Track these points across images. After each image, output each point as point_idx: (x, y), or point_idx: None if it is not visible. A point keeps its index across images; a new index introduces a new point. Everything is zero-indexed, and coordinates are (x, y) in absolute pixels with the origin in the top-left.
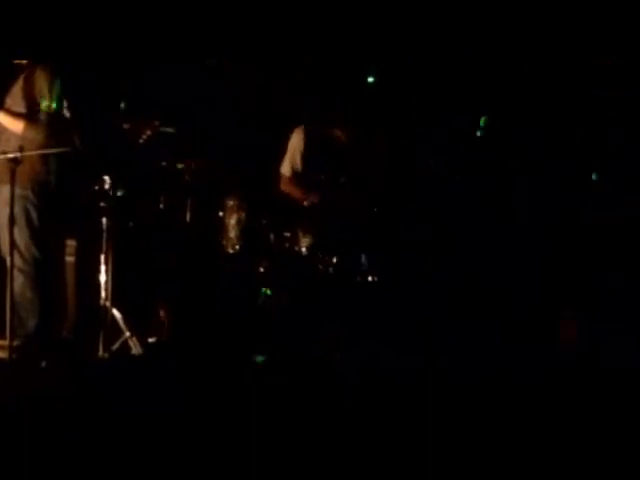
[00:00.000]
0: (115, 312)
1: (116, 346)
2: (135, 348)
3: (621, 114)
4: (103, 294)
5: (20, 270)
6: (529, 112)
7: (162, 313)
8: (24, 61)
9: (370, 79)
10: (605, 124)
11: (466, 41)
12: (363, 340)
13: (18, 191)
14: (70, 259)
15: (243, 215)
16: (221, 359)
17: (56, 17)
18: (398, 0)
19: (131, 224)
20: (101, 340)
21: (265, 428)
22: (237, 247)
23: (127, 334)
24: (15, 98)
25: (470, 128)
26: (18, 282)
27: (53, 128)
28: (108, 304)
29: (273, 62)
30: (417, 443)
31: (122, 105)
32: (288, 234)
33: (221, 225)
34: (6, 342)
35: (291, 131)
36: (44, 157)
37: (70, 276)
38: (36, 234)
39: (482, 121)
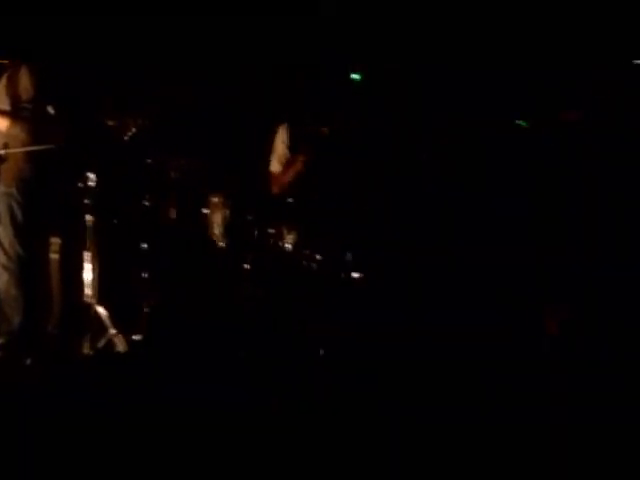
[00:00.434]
0: (100, 309)
1: (101, 344)
2: (120, 346)
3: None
4: (88, 292)
5: (4, 268)
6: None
7: (147, 310)
8: (7, 60)
9: (354, 76)
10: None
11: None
12: (347, 336)
13: (2, 189)
14: (55, 256)
15: (228, 212)
16: (207, 356)
17: (38, 15)
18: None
19: (116, 221)
20: (86, 338)
21: (252, 423)
22: (222, 244)
23: (112, 332)
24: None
25: (456, 125)
26: (3, 280)
27: (37, 125)
28: (93, 301)
29: (257, 60)
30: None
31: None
32: (273, 231)
33: (206, 222)
34: None
35: (275, 129)
36: (28, 155)
37: (55, 274)
38: (20, 232)
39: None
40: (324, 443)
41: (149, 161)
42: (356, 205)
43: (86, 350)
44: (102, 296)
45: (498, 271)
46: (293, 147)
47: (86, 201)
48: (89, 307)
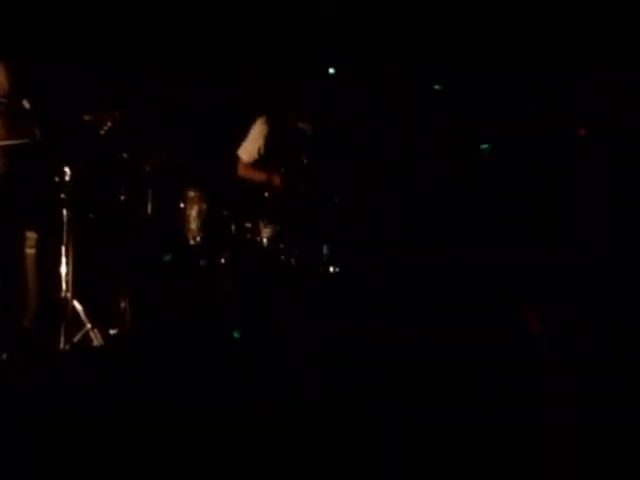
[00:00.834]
0: (76, 304)
1: (77, 338)
2: (96, 340)
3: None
4: (64, 286)
5: None
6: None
7: (123, 305)
8: None
9: (331, 70)
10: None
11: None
12: (325, 331)
13: None
14: (30, 251)
15: (204, 206)
16: (183, 350)
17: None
18: None
19: (92, 216)
20: (62, 332)
21: (230, 417)
22: (198, 238)
23: (88, 326)
24: None
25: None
26: None
27: (12, 120)
28: (69, 296)
29: (236, 53)
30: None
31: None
32: (249, 225)
33: (182, 216)
34: None
35: (254, 119)
36: (3, 149)
37: (31, 268)
38: None
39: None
40: (315, 441)
41: (125, 155)
42: (341, 201)
43: (62, 345)
44: (78, 291)
45: (490, 270)
46: (269, 142)
47: (62, 196)
48: (65, 301)
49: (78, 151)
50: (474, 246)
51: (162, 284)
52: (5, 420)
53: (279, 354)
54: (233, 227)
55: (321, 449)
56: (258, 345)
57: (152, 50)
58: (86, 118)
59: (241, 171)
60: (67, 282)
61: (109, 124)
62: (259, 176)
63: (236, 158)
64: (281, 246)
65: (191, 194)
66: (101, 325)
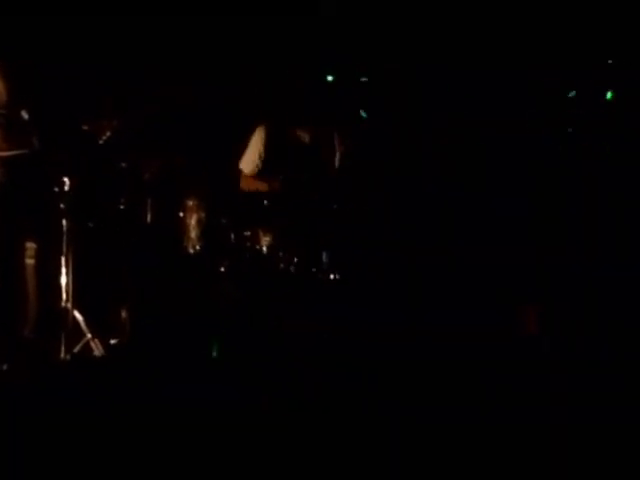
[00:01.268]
0: (76, 314)
1: (78, 348)
2: (97, 350)
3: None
4: (64, 296)
5: None
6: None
7: (124, 314)
8: None
9: (329, 77)
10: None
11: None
12: (325, 331)
13: None
14: (30, 262)
15: (203, 215)
16: (183, 359)
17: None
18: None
19: (91, 225)
20: (62, 342)
21: (230, 417)
22: (198, 247)
23: (89, 336)
24: None
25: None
26: None
27: (11, 130)
28: (69, 306)
29: (235, 61)
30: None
31: None
32: (248, 233)
33: (181, 225)
34: None
35: (253, 128)
36: (2, 160)
37: (30, 279)
38: None
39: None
40: (315, 441)
41: (124, 165)
42: (341, 207)
43: (62, 355)
44: (78, 300)
45: (490, 270)
46: (268, 150)
47: (61, 205)
48: (65, 311)
49: (77, 161)
50: (474, 246)
51: (162, 293)
52: (6, 429)
53: (279, 354)
54: (232, 236)
55: (321, 449)
56: (258, 345)
57: (152, 50)
58: (85, 127)
59: (243, 184)
60: (67, 292)
61: (108, 133)
62: (262, 187)
63: (237, 170)
64: (280, 254)
65: (190, 203)
66: (102, 335)
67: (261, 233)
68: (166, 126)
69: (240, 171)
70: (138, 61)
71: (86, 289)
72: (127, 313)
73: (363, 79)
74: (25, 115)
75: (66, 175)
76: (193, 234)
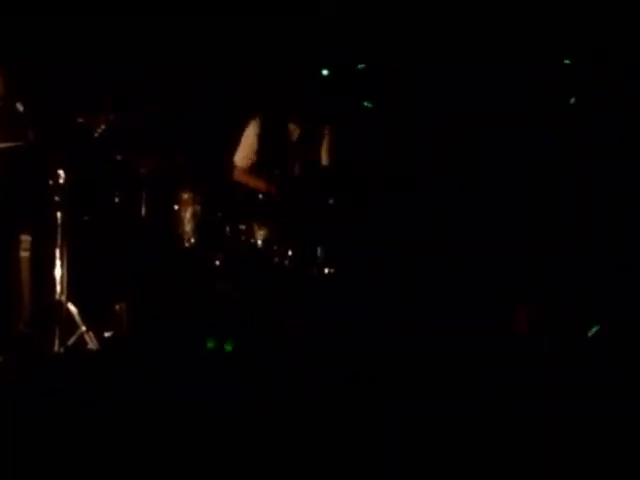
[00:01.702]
0: (71, 307)
1: (72, 341)
2: (91, 343)
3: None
4: (58, 289)
5: None
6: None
7: (118, 307)
8: None
9: (324, 72)
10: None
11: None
12: (325, 331)
13: None
14: (25, 254)
15: (198, 208)
16: (178, 352)
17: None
18: None
19: (86, 218)
20: (57, 335)
21: (230, 417)
22: (192, 240)
23: (83, 329)
24: None
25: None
26: None
27: (6, 122)
28: (64, 299)
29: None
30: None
31: None
32: (243, 227)
33: (176, 218)
34: None
35: (247, 122)
36: None
37: (25, 271)
38: None
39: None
40: (315, 441)
41: (119, 158)
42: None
43: (57, 347)
44: (73, 293)
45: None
46: (262, 144)
47: (56, 198)
48: (60, 304)
49: (72, 154)
50: (473, 246)
51: (157, 286)
52: (0, 423)
53: (279, 354)
54: (227, 229)
55: (321, 449)
56: (258, 345)
57: (151, 50)
58: (80, 120)
59: (236, 176)
60: (62, 285)
61: (103, 126)
62: (255, 182)
63: (231, 163)
64: (275, 248)
65: (185, 196)
66: (96, 328)
67: (256, 227)
68: (162, 120)
69: (234, 165)
70: (130, 51)
71: (81, 282)
72: (121, 306)
73: (360, 66)
74: (20, 107)
75: (61, 168)
76: (188, 227)
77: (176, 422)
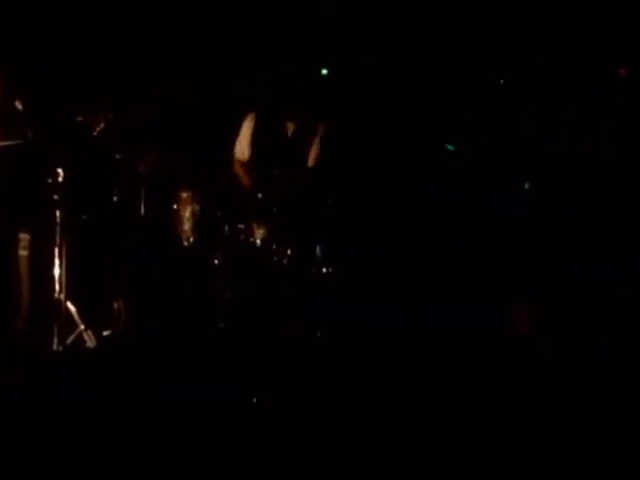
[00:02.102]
0: (69, 305)
1: (70, 339)
2: (90, 341)
3: None
4: (57, 287)
5: None
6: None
7: (117, 306)
8: None
9: (324, 71)
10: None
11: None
12: (325, 331)
13: None
14: (24, 253)
15: (197, 207)
16: (176, 351)
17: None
18: None
19: (85, 217)
20: (55, 333)
21: (230, 417)
22: (191, 239)
23: (81, 327)
24: None
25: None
26: None
27: (4, 120)
28: (62, 297)
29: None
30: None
31: None
32: (242, 226)
33: (175, 217)
34: None
35: (243, 117)
36: None
37: (24, 270)
38: None
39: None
40: (315, 441)
41: (118, 156)
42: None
43: (55, 346)
44: (71, 292)
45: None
46: (258, 139)
47: (55, 197)
48: (58, 303)
49: (71, 152)
50: (473, 246)
51: (156, 285)
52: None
53: (279, 354)
54: (226, 228)
55: (321, 449)
56: (258, 345)
57: (151, 50)
58: (79, 119)
59: (236, 168)
60: (60, 283)
61: (102, 125)
62: (252, 177)
63: (231, 158)
64: (274, 247)
65: (184, 195)
66: (94, 326)
67: (255, 226)
68: (161, 120)
69: (233, 157)
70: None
71: (79, 281)
72: (120, 305)
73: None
74: (19, 106)
75: (60, 166)
76: (187, 226)
77: (175, 421)
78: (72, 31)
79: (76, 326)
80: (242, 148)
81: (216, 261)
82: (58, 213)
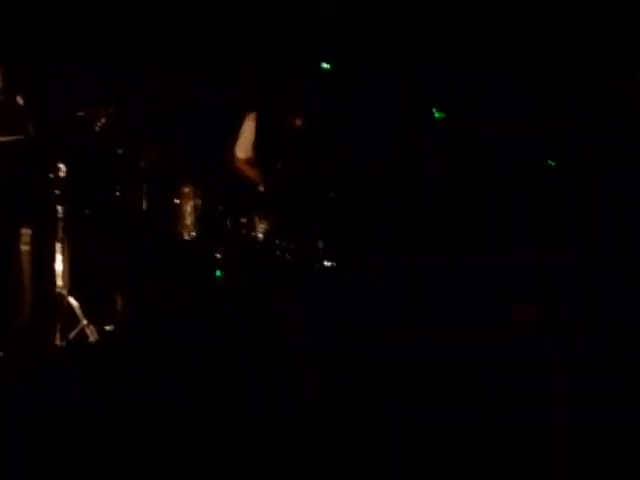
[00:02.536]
0: (72, 300)
1: (73, 334)
2: (92, 336)
3: None
4: (59, 282)
5: None
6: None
7: (119, 301)
8: None
9: (325, 65)
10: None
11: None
12: (325, 331)
13: None
14: (26, 248)
15: (199, 202)
16: (178, 346)
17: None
18: None
19: (87, 212)
20: (58, 328)
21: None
22: (193, 234)
23: (84, 322)
24: None
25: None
26: None
27: (6, 116)
28: (64, 292)
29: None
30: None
31: None
32: (244, 220)
33: (177, 212)
34: None
35: (244, 116)
36: None
37: (26, 265)
38: None
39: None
40: (315, 441)
41: (120, 151)
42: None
43: (58, 341)
44: (74, 287)
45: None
46: (260, 136)
47: (57, 192)
48: (60, 298)
49: (73, 147)
50: (473, 246)
51: (158, 279)
52: (1, 417)
53: (279, 354)
54: (228, 222)
55: (321, 449)
56: (258, 345)
57: (151, 50)
58: (81, 114)
59: (238, 165)
60: (62, 278)
61: (103, 120)
62: (254, 173)
63: (232, 155)
64: (277, 241)
65: (186, 190)
66: (97, 321)
67: (257, 220)
68: (162, 116)
69: (235, 156)
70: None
71: (81, 275)
72: (122, 300)
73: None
74: (20, 101)
75: (62, 162)
76: (189, 221)
77: (175, 420)
78: (74, 31)
79: (78, 321)
80: (244, 148)
81: (218, 255)
82: (60, 208)
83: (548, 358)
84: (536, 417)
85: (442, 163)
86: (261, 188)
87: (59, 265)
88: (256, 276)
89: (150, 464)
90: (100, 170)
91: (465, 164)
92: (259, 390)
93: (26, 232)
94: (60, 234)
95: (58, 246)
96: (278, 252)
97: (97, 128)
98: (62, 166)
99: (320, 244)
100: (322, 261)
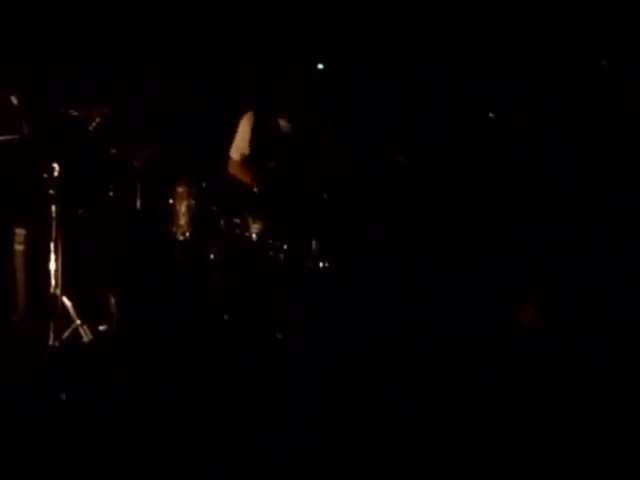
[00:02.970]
0: (65, 300)
1: (67, 334)
2: (86, 336)
3: None
4: (53, 282)
5: None
6: None
7: (113, 300)
8: None
9: (320, 66)
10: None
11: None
12: (314, 325)
13: None
14: (19, 247)
15: (193, 202)
16: (171, 346)
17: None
18: None
19: (81, 211)
20: (51, 328)
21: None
22: (187, 234)
23: (78, 322)
24: None
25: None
26: None
27: (0, 115)
28: (58, 292)
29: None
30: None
31: None
32: (238, 220)
33: (171, 212)
34: None
35: (240, 116)
36: None
37: (20, 264)
38: None
39: None
40: (315, 441)
41: (114, 151)
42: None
43: (51, 341)
44: (67, 287)
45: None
46: (256, 137)
47: (51, 191)
48: (54, 298)
49: (67, 147)
50: (473, 246)
51: (152, 279)
52: None
53: (280, 354)
54: (222, 223)
55: (321, 449)
56: (258, 345)
57: (151, 50)
58: (75, 113)
59: (232, 169)
60: (56, 278)
61: (98, 119)
62: (245, 176)
63: (227, 156)
64: (270, 241)
65: (180, 190)
66: (90, 321)
67: (251, 220)
68: (158, 117)
69: (230, 158)
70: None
71: (75, 275)
72: (116, 299)
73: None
74: (15, 100)
75: (56, 161)
76: (183, 221)
77: (173, 419)
78: (71, 30)
79: (72, 321)
80: (240, 148)
81: (212, 255)
82: (54, 208)
83: (548, 358)
84: (536, 417)
85: (442, 163)
86: (255, 189)
87: (53, 265)
88: (250, 276)
89: (148, 464)
90: (94, 170)
91: (465, 164)
92: (258, 390)
93: (20, 232)
94: (54, 234)
95: (52, 246)
96: (272, 252)
97: (91, 128)
98: (56, 165)
99: (314, 244)
100: (317, 262)
